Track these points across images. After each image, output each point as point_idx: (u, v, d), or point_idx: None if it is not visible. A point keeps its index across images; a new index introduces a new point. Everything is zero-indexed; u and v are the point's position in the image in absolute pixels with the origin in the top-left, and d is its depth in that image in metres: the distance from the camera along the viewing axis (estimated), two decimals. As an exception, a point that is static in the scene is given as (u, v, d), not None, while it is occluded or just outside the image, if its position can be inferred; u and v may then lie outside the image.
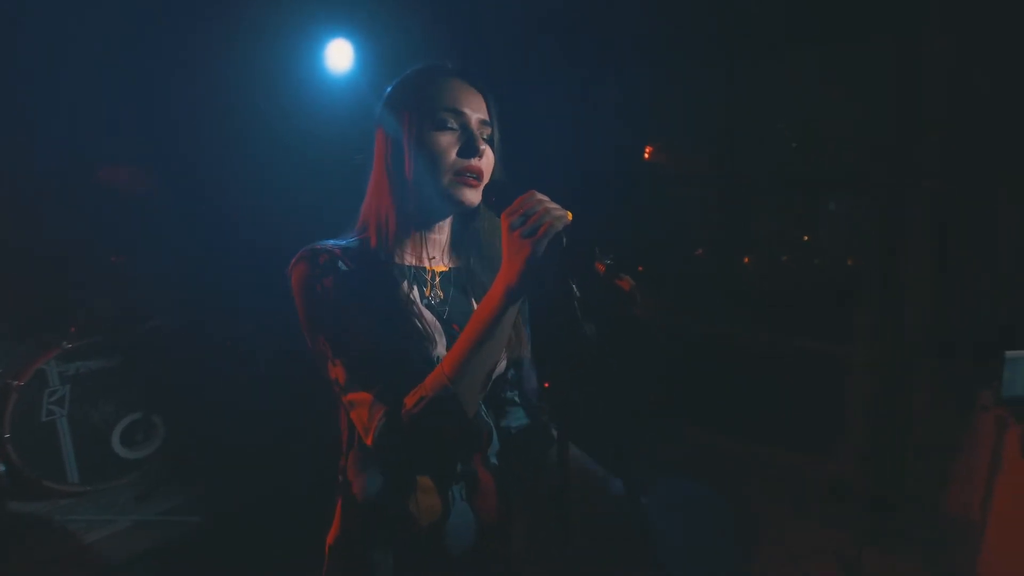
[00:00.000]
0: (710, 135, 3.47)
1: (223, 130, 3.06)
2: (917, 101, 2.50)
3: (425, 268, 0.94)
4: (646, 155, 3.85)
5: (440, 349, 0.87)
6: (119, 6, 2.71)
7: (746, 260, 3.66)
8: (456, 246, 0.98)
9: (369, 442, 0.79)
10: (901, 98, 2.55)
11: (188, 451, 2.82)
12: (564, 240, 0.73)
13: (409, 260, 0.92)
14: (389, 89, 0.93)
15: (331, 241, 0.89)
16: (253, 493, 2.63)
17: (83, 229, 2.74)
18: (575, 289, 0.74)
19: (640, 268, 3.85)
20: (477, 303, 0.95)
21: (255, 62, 2.98)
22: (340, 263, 0.84)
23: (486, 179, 0.89)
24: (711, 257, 3.68)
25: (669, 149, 3.88)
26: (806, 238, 3.69)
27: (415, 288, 0.91)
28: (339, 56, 3.06)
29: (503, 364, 0.92)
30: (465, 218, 0.96)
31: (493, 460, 0.93)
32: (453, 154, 0.86)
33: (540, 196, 0.76)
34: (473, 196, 0.87)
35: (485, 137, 0.90)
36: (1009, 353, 2.05)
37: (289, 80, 3.07)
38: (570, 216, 0.75)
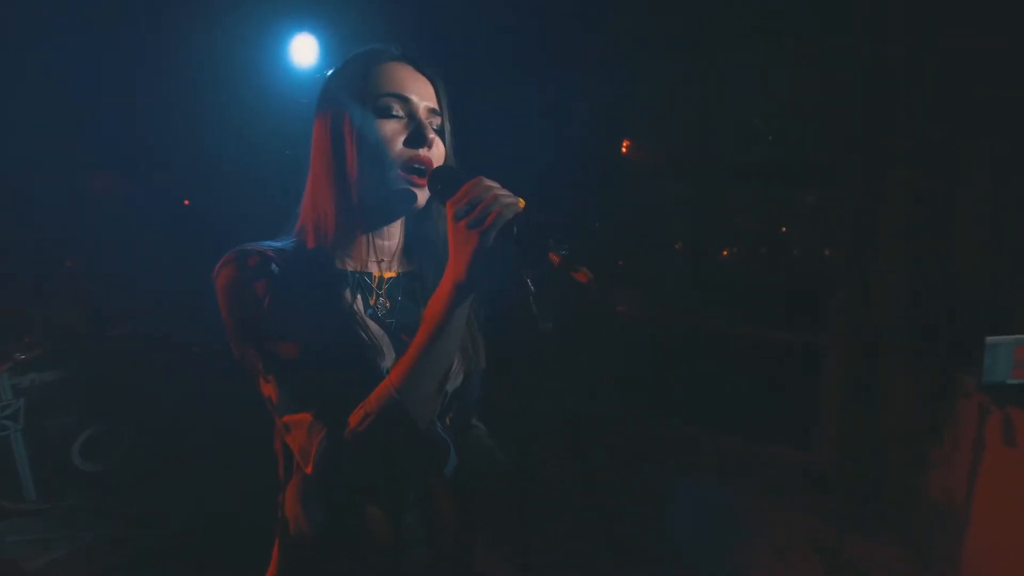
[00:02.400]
0: (685, 129, 3.45)
1: (186, 128, 2.97)
2: (888, 93, 2.49)
3: (371, 274, 0.86)
4: (623, 149, 3.82)
5: (389, 362, 0.79)
6: (75, 2, 2.59)
7: (724, 253, 3.65)
8: (408, 249, 0.90)
9: (309, 469, 0.71)
10: (872, 90, 2.54)
11: (153, 461, 2.71)
12: (516, 230, 0.66)
13: (352, 265, 0.84)
14: (328, 75, 0.85)
15: (265, 242, 0.81)
16: (222, 503, 2.54)
17: (36, 232, 2.62)
18: (530, 284, 0.68)
19: (621, 262, 3.83)
20: None
21: (217, 58, 2.89)
22: (273, 266, 0.76)
23: None
24: (689, 251, 3.67)
25: (645, 143, 3.85)
26: (783, 230, 3.69)
27: (358, 296, 0.83)
28: (303, 51, 2.97)
29: (460, 377, 0.85)
30: (418, 218, 0.89)
31: (450, 478, 0.86)
32: (399, 144, 0.79)
33: (489, 182, 0.69)
34: (422, 192, 0.80)
35: (435, 127, 0.83)
36: (990, 339, 2.03)
37: (252, 76, 2.96)
38: (522, 203, 0.69)
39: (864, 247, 2.62)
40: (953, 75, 2.33)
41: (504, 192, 0.69)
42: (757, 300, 3.33)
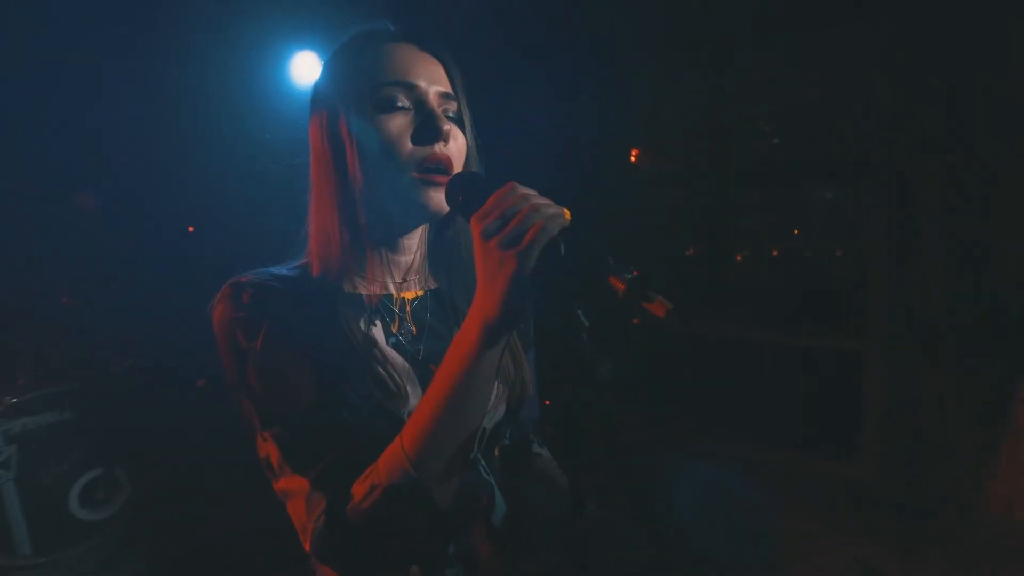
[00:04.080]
0: (698, 131, 3.34)
1: (187, 153, 2.87)
2: (915, 77, 2.36)
3: (391, 296, 0.73)
4: (632, 157, 3.71)
5: (412, 402, 0.66)
6: (68, 19, 2.50)
7: (738, 258, 3.51)
8: (433, 262, 0.78)
9: (307, 547, 0.59)
10: (898, 76, 2.41)
11: (159, 507, 2.57)
12: (563, 249, 0.52)
13: (368, 288, 0.72)
14: (321, 71, 0.72)
15: (268, 269, 0.69)
16: (236, 551, 2.38)
17: (27, 267, 2.51)
18: (582, 318, 0.54)
19: (635, 272, 3.69)
20: None
21: (216, 78, 2.79)
22: (270, 299, 0.64)
23: (458, 170, 0.68)
24: (704, 256, 3.53)
25: (655, 147, 3.74)
26: (796, 232, 3.57)
27: (377, 324, 0.70)
28: (305, 70, 2.88)
29: (501, 408, 0.72)
30: (440, 225, 0.76)
31: (498, 528, 0.73)
32: (408, 142, 0.66)
33: (524, 190, 0.55)
34: (442, 197, 0.67)
35: (450, 115, 0.70)
36: (1051, 342, 1.88)
37: (253, 96, 2.86)
38: (568, 215, 0.55)
39: (901, 243, 2.47)
40: (986, 52, 2.18)
41: (544, 201, 0.54)
42: (781, 305, 3.19)
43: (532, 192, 0.55)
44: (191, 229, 3.34)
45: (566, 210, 0.55)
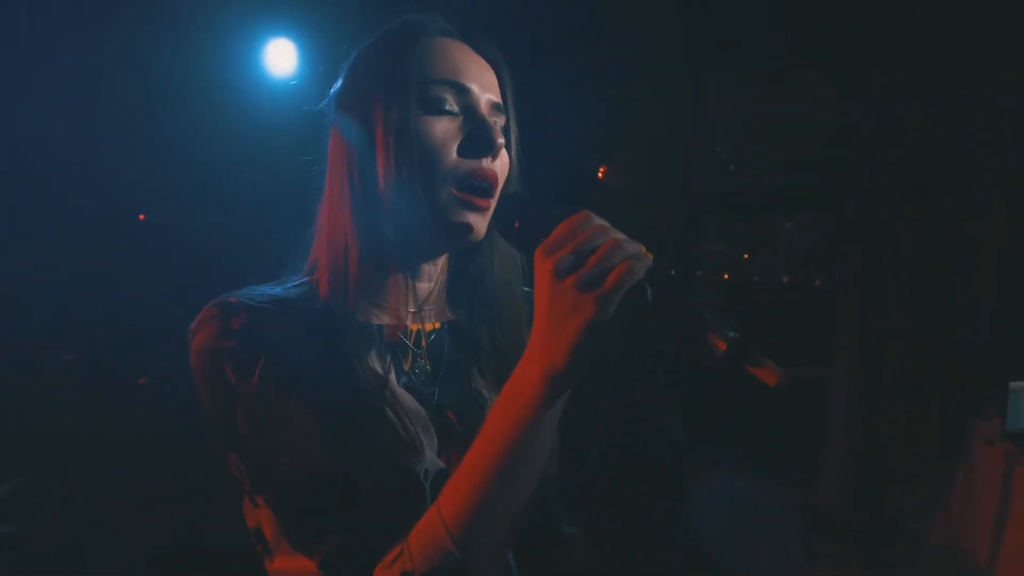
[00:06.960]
0: (675, 153, 3.36)
1: (143, 135, 2.68)
2: (895, 113, 2.44)
3: (406, 328, 0.64)
4: (600, 175, 3.71)
5: (428, 456, 0.57)
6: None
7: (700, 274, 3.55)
8: (454, 290, 0.69)
9: None
10: (880, 115, 2.49)
11: (90, 521, 2.34)
12: (650, 295, 0.45)
13: (380, 317, 0.63)
14: (351, 60, 0.64)
15: (262, 289, 0.59)
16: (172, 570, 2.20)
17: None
18: (661, 375, 0.47)
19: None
20: (484, 378, 0.66)
21: (184, 66, 2.64)
22: (267, 327, 0.54)
23: (499, 191, 0.61)
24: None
25: (629, 166, 3.75)
26: (746, 256, 3.65)
27: (388, 359, 0.61)
28: (280, 58, 2.77)
29: None
30: (469, 251, 0.68)
31: None
32: (453, 152, 0.58)
33: (600, 221, 0.48)
34: (482, 218, 0.59)
35: (499, 128, 0.63)
36: (1014, 384, 1.96)
37: (224, 85, 2.75)
38: (650, 255, 0.48)
39: (873, 278, 2.53)
40: (968, 91, 2.27)
41: (623, 237, 0.47)
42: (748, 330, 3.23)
43: (608, 225, 0.48)
44: (142, 217, 3.15)
45: (644, 247, 0.48)
